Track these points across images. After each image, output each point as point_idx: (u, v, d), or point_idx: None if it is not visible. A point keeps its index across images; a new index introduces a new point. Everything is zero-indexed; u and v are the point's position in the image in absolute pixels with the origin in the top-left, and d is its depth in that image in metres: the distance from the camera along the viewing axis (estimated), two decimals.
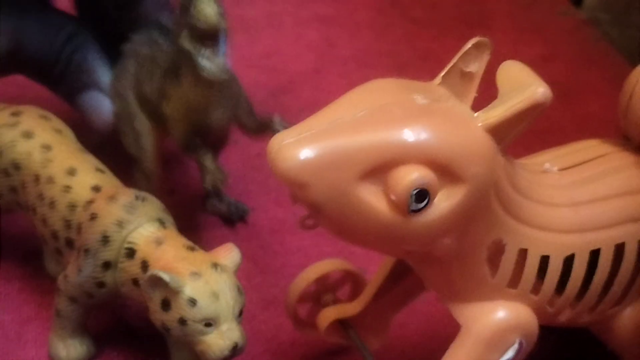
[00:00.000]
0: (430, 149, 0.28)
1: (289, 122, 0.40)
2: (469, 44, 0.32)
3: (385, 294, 0.38)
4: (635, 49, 0.64)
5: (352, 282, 0.40)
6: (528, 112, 0.29)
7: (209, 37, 0.38)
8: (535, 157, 0.36)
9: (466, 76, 0.32)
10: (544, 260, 0.33)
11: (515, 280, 0.33)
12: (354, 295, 0.40)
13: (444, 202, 0.29)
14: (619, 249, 0.34)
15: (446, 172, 0.29)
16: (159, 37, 0.44)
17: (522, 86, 0.29)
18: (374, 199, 0.28)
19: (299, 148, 0.28)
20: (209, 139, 0.42)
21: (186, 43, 0.38)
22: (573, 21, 0.70)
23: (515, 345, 0.33)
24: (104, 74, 0.46)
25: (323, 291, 0.40)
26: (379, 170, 0.28)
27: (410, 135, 0.28)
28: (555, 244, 0.33)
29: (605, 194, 0.34)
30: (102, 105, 0.46)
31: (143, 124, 0.44)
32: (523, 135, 0.52)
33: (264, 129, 0.42)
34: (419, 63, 0.64)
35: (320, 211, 0.29)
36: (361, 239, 0.31)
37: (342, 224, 0.29)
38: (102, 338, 0.41)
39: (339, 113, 0.29)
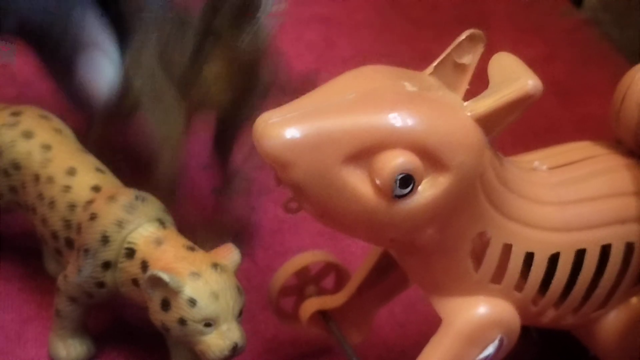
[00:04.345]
0: (417, 134, 0.28)
1: None
2: (462, 36, 0.32)
3: (369, 288, 0.38)
4: (635, 49, 0.64)
5: (335, 273, 0.40)
6: (517, 104, 0.29)
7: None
8: (526, 155, 0.36)
9: (459, 68, 0.32)
10: (529, 258, 0.33)
11: (499, 276, 0.33)
12: (337, 288, 0.40)
13: (429, 189, 0.29)
14: (605, 250, 0.34)
15: (432, 159, 0.29)
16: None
17: (513, 78, 0.29)
18: (358, 183, 0.28)
19: (285, 127, 0.28)
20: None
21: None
22: (573, 21, 0.70)
23: (496, 342, 0.33)
24: (105, 35, 0.43)
25: (305, 283, 0.40)
26: (364, 153, 0.28)
27: (398, 120, 0.28)
28: (540, 241, 0.33)
29: (592, 195, 0.34)
30: (103, 68, 0.42)
31: (173, 96, 0.41)
32: (522, 134, 0.52)
33: None
34: (418, 63, 0.63)
35: (303, 193, 0.29)
36: (344, 223, 0.30)
37: (324, 207, 0.29)
38: (102, 338, 0.42)
39: (328, 96, 0.29)
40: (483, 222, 0.31)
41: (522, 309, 0.34)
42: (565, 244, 0.33)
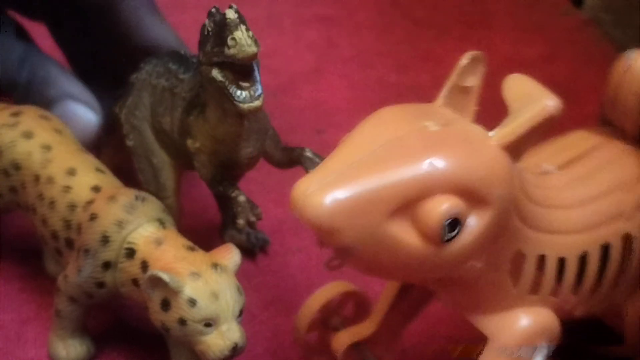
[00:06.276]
0: (455, 177, 0.28)
1: (321, 155, 0.38)
2: (464, 60, 0.32)
3: (395, 309, 0.38)
4: (636, 49, 0.64)
5: (354, 300, 0.40)
6: (541, 127, 0.29)
7: (244, 66, 0.36)
8: (529, 157, 0.36)
9: (464, 91, 0.32)
10: (560, 263, 0.33)
11: (535, 286, 0.33)
12: (358, 313, 0.40)
13: (474, 226, 0.29)
14: (627, 239, 0.34)
15: (472, 197, 0.29)
16: (176, 68, 0.41)
17: (531, 100, 0.30)
18: (405, 235, 0.28)
19: (326, 194, 0.28)
20: (236, 173, 0.41)
21: (217, 74, 0.36)
22: (574, 21, 0.70)
23: (543, 350, 0.33)
24: (73, 84, 0.44)
25: (329, 316, 0.39)
26: (406, 205, 0.28)
27: (434, 166, 0.28)
28: (569, 245, 0.33)
29: (607, 188, 0.34)
30: (79, 114, 0.44)
31: (162, 159, 0.43)
32: None
33: (294, 162, 0.40)
34: (419, 63, 0.64)
35: (352, 254, 0.29)
36: (391, 273, 0.31)
37: (373, 262, 0.29)
38: (102, 338, 0.41)
39: (356, 151, 0.29)
40: (518, 241, 0.32)
41: (558, 311, 0.34)
42: (591, 241, 0.34)
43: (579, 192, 0.34)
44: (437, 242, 0.29)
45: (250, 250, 0.47)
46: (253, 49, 0.35)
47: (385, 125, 0.30)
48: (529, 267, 0.32)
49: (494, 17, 0.69)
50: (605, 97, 0.36)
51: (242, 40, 0.35)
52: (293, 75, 0.61)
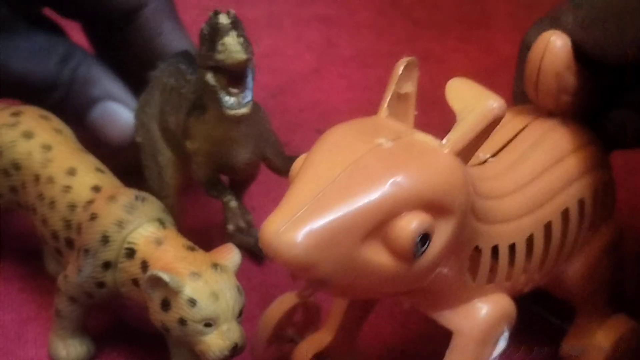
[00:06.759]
0: (418, 193, 0.29)
1: None
2: (399, 69, 0.32)
3: (349, 313, 0.38)
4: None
5: (303, 307, 0.40)
6: (488, 129, 0.30)
7: (235, 72, 0.36)
8: None
9: (402, 98, 0.32)
10: (511, 249, 0.34)
11: (491, 275, 0.34)
12: (307, 319, 0.40)
13: (441, 235, 0.29)
14: (565, 214, 0.35)
15: (436, 208, 0.29)
16: (185, 68, 0.41)
17: (475, 103, 0.30)
18: (378, 257, 0.29)
19: (298, 231, 0.28)
20: (234, 178, 0.41)
21: (210, 78, 0.36)
22: None
23: (505, 334, 0.34)
24: (115, 84, 0.45)
25: (283, 329, 0.39)
26: (376, 227, 0.28)
27: (397, 186, 0.28)
28: (517, 231, 0.34)
29: (540, 168, 0.35)
30: (119, 115, 0.44)
31: (167, 157, 0.43)
32: None
33: None
34: (419, 63, 0.64)
35: (329, 284, 0.29)
36: (364, 294, 0.31)
37: (348, 287, 0.30)
38: (102, 338, 0.42)
39: (317, 181, 0.29)
40: (475, 238, 0.32)
41: (510, 292, 0.35)
42: (536, 223, 0.34)
43: (517, 177, 0.34)
44: (410, 259, 0.29)
45: (256, 254, 0.47)
46: (242, 55, 0.35)
47: (340, 149, 0.30)
48: (485, 259, 0.33)
49: (494, 17, 0.69)
50: (526, 78, 0.37)
51: (231, 46, 0.35)
52: (293, 75, 0.61)
